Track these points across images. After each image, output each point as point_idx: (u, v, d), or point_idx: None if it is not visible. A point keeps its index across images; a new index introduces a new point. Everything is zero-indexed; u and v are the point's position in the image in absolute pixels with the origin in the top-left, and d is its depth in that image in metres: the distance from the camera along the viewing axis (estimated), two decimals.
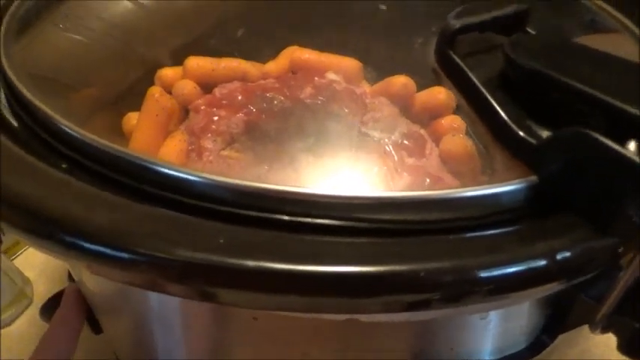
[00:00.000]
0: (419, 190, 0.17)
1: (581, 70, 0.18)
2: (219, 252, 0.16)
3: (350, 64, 0.40)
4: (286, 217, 0.17)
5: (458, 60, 0.20)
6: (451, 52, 0.20)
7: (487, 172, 0.25)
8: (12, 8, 0.29)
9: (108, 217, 0.17)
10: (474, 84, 0.19)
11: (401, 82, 0.37)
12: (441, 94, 0.34)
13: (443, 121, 0.35)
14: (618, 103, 0.16)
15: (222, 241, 0.16)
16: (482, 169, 0.29)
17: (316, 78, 0.39)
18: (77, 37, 0.33)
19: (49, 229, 0.18)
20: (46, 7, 0.31)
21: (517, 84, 0.19)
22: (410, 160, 0.32)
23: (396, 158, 0.32)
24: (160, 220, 0.17)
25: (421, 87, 0.35)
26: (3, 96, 0.25)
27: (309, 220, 0.17)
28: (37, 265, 0.50)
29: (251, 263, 0.15)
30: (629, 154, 0.15)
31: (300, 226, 0.17)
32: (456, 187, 0.19)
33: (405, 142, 0.33)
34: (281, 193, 0.17)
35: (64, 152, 0.21)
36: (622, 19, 0.29)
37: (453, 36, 0.20)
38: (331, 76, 0.40)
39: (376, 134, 0.34)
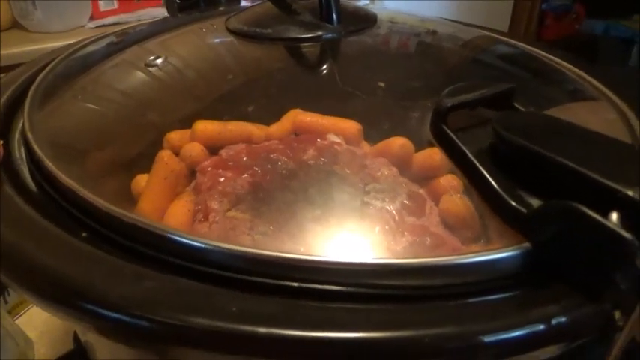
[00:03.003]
0: (423, 257, 0.18)
1: (566, 146, 0.19)
2: (233, 320, 0.16)
3: (350, 126, 0.42)
4: (295, 284, 0.18)
5: (451, 135, 0.22)
6: (445, 127, 0.22)
7: (484, 235, 0.26)
8: (35, 83, 0.31)
9: (126, 287, 0.18)
10: (467, 156, 0.21)
11: (399, 143, 0.38)
12: (437, 155, 0.36)
13: (441, 181, 0.36)
14: (601, 179, 0.17)
15: (234, 309, 0.17)
16: (480, 230, 0.30)
17: (318, 140, 0.41)
18: (93, 106, 0.35)
19: (67, 298, 0.19)
20: (66, 82, 0.33)
21: (507, 157, 0.21)
22: (410, 220, 0.33)
23: (397, 218, 0.33)
24: (175, 290, 0.18)
25: (418, 149, 0.37)
26: (24, 161, 0.27)
27: (317, 286, 0.17)
28: (39, 326, 0.50)
29: (262, 330, 0.16)
30: (611, 226, 0.16)
31: (308, 292, 0.18)
32: (458, 253, 0.20)
33: (405, 201, 0.34)
34: (291, 261, 0.18)
35: (84, 220, 0.22)
36: (602, 88, 0.31)
37: (446, 112, 0.22)
38: (332, 137, 0.42)
39: (377, 194, 0.35)
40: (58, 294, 0.18)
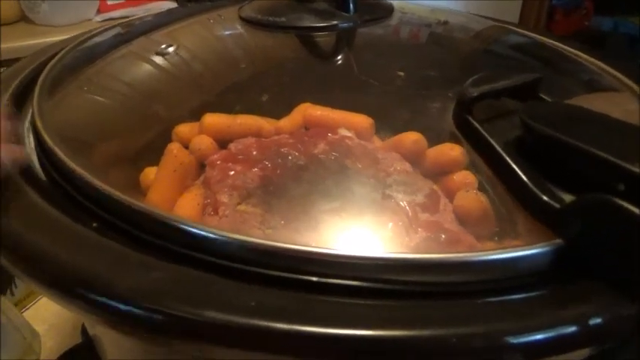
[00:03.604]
0: (445, 252, 0.17)
1: (597, 137, 0.19)
2: (244, 314, 0.16)
3: (361, 120, 0.41)
4: (314, 279, 0.17)
5: (477, 125, 0.21)
6: (470, 118, 0.21)
7: (500, 231, 0.26)
8: (44, 73, 0.31)
9: (138, 277, 0.17)
10: (495, 148, 0.20)
11: (412, 138, 0.38)
12: (452, 151, 0.35)
13: (455, 177, 0.35)
14: (636, 169, 0.16)
15: (248, 302, 0.16)
16: (494, 226, 0.29)
17: (329, 134, 0.41)
18: (101, 98, 0.35)
19: (75, 288, 0.18)
20: (74, 72, 0.33)
21: (535, 149, 0.20)
22: (424, 216, 0.32)
23: (410, 214, 0.32)
24: (191, 282, 0.17)
25: (431, 143, 0.36)
26: (34, 150, 0.26)
27: (338, 281, 0.17)
28: (47, 319, 0.49)
29: (282, 326, 0.15)
30: None
31: (328, 287, 0.17)
32: (473, 248, 0.19)
33: (419, 197, 0.33)
34: (311, 254, 0.17)
35: (95, 211, 0.21)
36: (622, 78, 0.30)
37: (471, 103, 0.21)
38: (343, 132, 0.41)
39: (389, 190, 0.34)
40: (65, 284, 0.18)
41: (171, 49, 0.38)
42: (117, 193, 0.21)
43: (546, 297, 0.17)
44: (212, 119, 0.40)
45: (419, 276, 0.17)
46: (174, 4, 1.37)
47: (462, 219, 0.32)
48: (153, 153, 0.37)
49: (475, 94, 0.21)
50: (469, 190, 0.33)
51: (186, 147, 0.38)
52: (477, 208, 0.31)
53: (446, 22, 0.49)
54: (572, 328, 0.16)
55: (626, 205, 0.16)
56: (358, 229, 0.29)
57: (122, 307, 0.17)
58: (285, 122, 0.43)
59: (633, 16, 2.30)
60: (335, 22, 0.41)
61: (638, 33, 2.27)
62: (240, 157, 0.40)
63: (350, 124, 0.41)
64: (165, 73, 0.40)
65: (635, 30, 2.28)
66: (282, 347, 0.16)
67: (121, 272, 0.18)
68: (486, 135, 0.20)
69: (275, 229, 0.32)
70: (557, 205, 0.18)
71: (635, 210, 0.15)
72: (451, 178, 0.35)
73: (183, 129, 0.40)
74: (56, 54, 0.37)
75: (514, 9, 1.98)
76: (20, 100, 0.32)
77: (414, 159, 0.37)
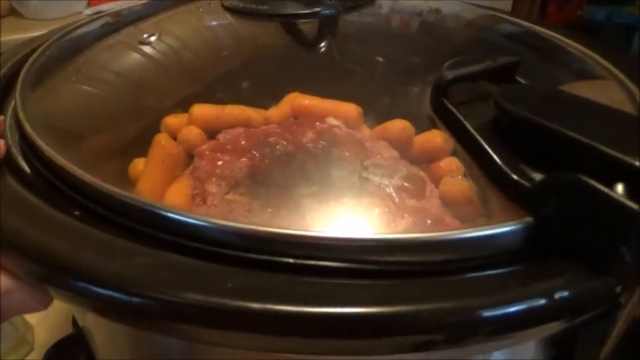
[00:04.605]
0: (421, 232, 0.17)
1: (569, 117, 0.19)
2: (227, 296, 0.16)
3: (349, 109, 0.41)
4: (291, 260, 0.17)
5: (452, 108, 0.21)
6: (445, 101, 0.21)
7: (485, 214, 0.26)
8: (28, 63, 0.31)
9: (119, 263, 0.17)
10: (469, 130, 0.20)
11: (399, 126, 0.38)
12: (438, 138, 0.35)
13: (441, 164, 0.36)
14: (608, 150, 0.17)
15: (230, 285, 0.17)
16: (480, 210, 0.29)
17: (317, 123, 0.41)
18: (88, 88, 0.35)
19: (61, 276, 0.18)
20: (60, 63, 0.33)
21: (509, 130, 0.20)
22: (411, 202, 0.33)
23: (397, 200, 0.33)
24: (170, 266, 0.17)
25: (418, 131, 0.36)
26: (17, 142, 0.26)
27: (314, 262, 0.17)
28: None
29: (257, 306, 0.15)
30: (617, 197, 0.16)
31: (305, 268, 0.17)
32: (457, 228, 0.19)
33: (406, 184, 0.34)
34: (286, 237, 0.17)
35: (77, 199, 0.21)
36: (610, 68, 0.30)
37: (447, 86, 0.21)
38: (332, 121, 0.41)
39: (377, 177, 0.35)
40: (50, 272, 0.18)
41: (155, 37, 0.38)
42: (96, 181, 0.21)
43: (518, 273, 0.17)
44: (201, 110, 0.40)
45: (395, 256, 0.17)
46: None
47: (448, 204, 0.32)
48: (142, 144, 0.37)
49: (451, 77, 0.21)
50: (455, 175, 0.33)
51: (175, 138, 0.38)
52: (462, 192, 0.32)
53: (437, 10, 0.49)
54: (541, 302, 0.16)
55: (594, 183, 0.16)
56: (344, 217, 0.30)
57: (104, 291, 0.17)
58: (274, 112, 0.43)
59: (628, 5, 2.29)
60: (317, 9, 0.41)
61: (632, 22, 2.26)
62: (228, 147, 0.40)
63: (338, 112, 0.41)
64: (153, 62, 0.40)
65: (630, 19, 2.27)
66: (262, 327, 0.16)
67: (103, 258, 0.18)
68: (460, 117, 0.20)
69: (262, 217, 0.32)
70: (527, 184, 0.18)
71: (603, 188, 0.16)
72: (437, 165, 0.35)
73: (172, 120, 0.40)
74: (42, 44, 0.37)
75: (506, 5, 1.98)
76: (4, 93, 0.32)
77: (402, 146, 0.37)
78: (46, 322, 0.48)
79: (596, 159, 0.17)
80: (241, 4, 0.42)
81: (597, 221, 0.16)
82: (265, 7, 0.41)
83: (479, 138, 0.20)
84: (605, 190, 0.16)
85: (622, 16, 2.39)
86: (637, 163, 0.15)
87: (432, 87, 0.22)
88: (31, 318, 0.48)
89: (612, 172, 0.16)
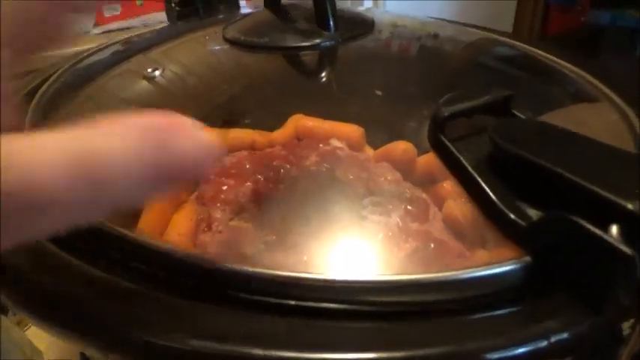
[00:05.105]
0: (419, 272, 0.18)
1: (563, 155, 0.19)
2: (229, 342, 0.16)
3: (352, 130, 0.42)
4: (292, 302, 0.17)
5: (448, 144, 0.21)
6: (442, 137, 0.22)
7: (489, 240, 0.26)
8: (37, 95, 0.31)
9: (121, 305, 0.18)
10: (465, 167, 0.21)
11: (402, 148, 0.38)
12: None
13: (444, 185, 0.36)
14: (601, 192, 0.17)
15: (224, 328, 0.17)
16: (483, 233, 0.30)
17: (321, 145, 0.41)
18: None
19: (62, 317, 0.19)
20: (70, 93, 0.33)
21: (505, 166, 0.21)
22: (414, 225, 0.33)
23: (400, 224, 0.33)
24: (171, 309, 0.18)
25: (421, 152, 0.37)
26: None
27: (313, 304, 0.17)
28: (47, 337, 0.50)
29: (260, 352, 0.16)
30: (610, 240, 0.16)
31: (305, 310, 0.17)
32: (462, 256, 0.19)
33: (409, 207, 0.34)
34: (283, 279, 0.17)
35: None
36: (602, 88, 0.31)
37: (444, 122, 0.22)
38: (335, 142, 0.42)
39: (380, 200, 0.35)
40: (48, 314, 0.18)
41: (159, 71, 0.39)
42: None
43: (518, 314, 0.18)
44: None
45: (392, 297, 0.18)
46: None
47: (452, 227, 0.33)
48: None
49: (446, 114, 0.21)
50: (457, 198, 0.33)
51: None
52: (465, 216, 0.32)
53: (435, 35, 0.49)
54: (542, 344, 0.16)
55: (587, 225, 0.16)
56: (348, 245, 0.30)
57: (105, 335, 0.17)
58: (278, 134, 0.43)
59: (631, 8, 2.29)
60: (317, 41, 0.42)
61: (636, 25, 2.25)
62: (233, 171, 0.40)
63: (341, 134, 0.42)
64: (159, 91, 0.41)
65: (634, 22, 2.26)
66: None
67: (103, 300, 0.18)
68: (457, 153, 0.21)
69: (267, 244, 0.33)
70: (523, 223, 0.18)
71: (597, 231, 0.16)
72: (441, 186, 0.36)
73: None
74: (50, 77, 0.38)
75: (509, 9, 1.98)
76: None
77: (405, 168, 0.38)
78: (55, 346, 0.49)
79: (590, 200, 0.17)
80: (242, 37, 0.42)
81: (592, 263, 0.16)
82: (266, 39, 0.42)
83: (475, 175, 0.20)
84: (599, 232, 0.16)
85: (626, 19, 2.38)
86: (630, 207, 0.16)
87: (429, 123, 0.22)
88: (40, 344, 0.48)
89: (608, 213, 0.16)
